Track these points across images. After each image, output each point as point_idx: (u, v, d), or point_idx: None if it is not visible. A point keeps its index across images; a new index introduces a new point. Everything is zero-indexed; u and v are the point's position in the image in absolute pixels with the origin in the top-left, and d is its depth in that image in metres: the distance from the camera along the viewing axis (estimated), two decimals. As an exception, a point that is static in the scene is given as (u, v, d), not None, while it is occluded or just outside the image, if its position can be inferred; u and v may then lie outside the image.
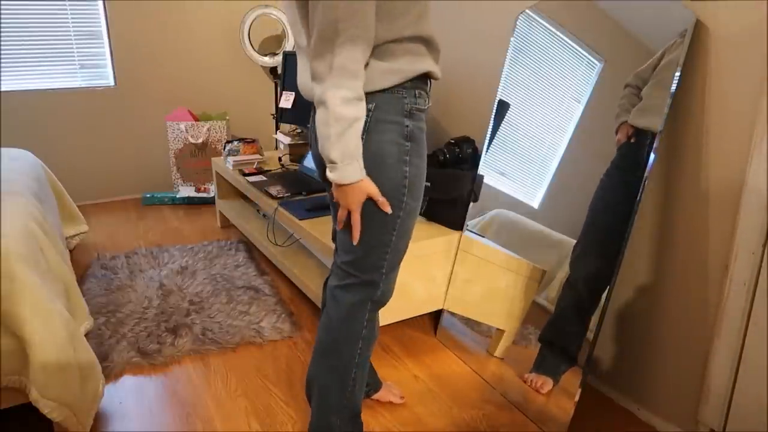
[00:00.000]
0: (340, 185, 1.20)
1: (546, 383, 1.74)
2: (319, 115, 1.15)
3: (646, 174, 1.53)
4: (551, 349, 1.74)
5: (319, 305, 2.21)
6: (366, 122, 1.22)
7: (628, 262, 1.76)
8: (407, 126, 1.26)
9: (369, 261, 1.34)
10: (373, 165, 1.23)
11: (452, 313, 2.14)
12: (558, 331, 1.72)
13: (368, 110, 1.22)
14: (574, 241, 1.72)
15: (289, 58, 3.12)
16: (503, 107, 2.02)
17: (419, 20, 1.21)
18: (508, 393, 1.86)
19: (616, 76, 1.67)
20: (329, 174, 1.20)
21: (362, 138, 1.22)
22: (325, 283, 1.56)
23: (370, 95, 1.23)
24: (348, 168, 1.17)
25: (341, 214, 1.26)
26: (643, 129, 1.56)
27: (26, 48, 3.35)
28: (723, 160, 1.48)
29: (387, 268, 1.36)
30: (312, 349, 2.00)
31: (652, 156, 1.52)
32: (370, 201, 1.25)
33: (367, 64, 1.20)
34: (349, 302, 1.38)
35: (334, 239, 1.56)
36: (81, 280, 2.55)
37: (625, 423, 1.76)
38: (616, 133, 1.63)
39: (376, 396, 1.79)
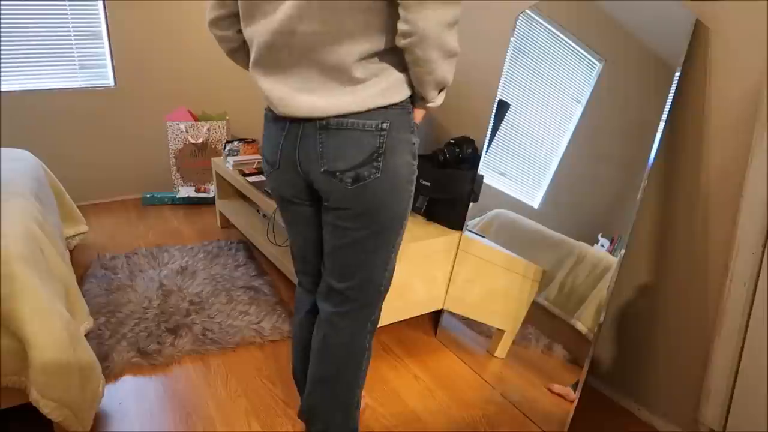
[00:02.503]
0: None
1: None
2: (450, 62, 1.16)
3: (645, 174, 1.53)
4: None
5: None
6: (381, 143, 1.17)
7: (628, 262, 1.76)
8: (414, 143, 1.24)
9: (372, 283, 1.33)
10: (390, 189, 1.21)
11: (452, 313, 2.14)
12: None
13: (383, 130, 1.17)
14: (574, 241, 1.72)
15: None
16: (503, 107, 2.02)
17: None
18: (508, 393, 1.86)
19: (616, 76, 1.67)
20: (437, 101, 1.24)
21: (379, 161, 1.18)
22: (298, 297, 1.54)
23: (383, 111, 1.17)
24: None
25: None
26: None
27: (26, 48, 3.35)
28: (723, 160, 1.48)
29: (384, 287, 1.37)
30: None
31: (652, 156, 1.52)
32: (386, 222, 1.24)
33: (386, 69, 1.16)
34: (350, 329, 1.36)
35: (298, 260, 1.48)
36: (81, 280, 2.55)
37: (625, 423, 1.76)
38: None
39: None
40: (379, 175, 1.19)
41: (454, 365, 2.03)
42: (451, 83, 1.24)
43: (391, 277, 1.38)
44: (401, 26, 1.08)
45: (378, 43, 1.12)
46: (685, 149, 1.57)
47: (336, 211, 1.25)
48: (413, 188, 1.27)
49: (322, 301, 1.40)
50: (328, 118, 1.17)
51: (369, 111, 1.16)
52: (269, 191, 1.42)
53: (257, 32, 1.18)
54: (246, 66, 1.38)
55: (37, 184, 2.23)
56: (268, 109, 1.30)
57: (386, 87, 1.17)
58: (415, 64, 1.14)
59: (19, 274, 1.47)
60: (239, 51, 1.36)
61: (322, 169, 1.20)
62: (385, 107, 1.17)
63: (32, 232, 1.70)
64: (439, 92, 1.24)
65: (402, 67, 1.18)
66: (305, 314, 1.51)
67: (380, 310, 1.41)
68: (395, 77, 1.17)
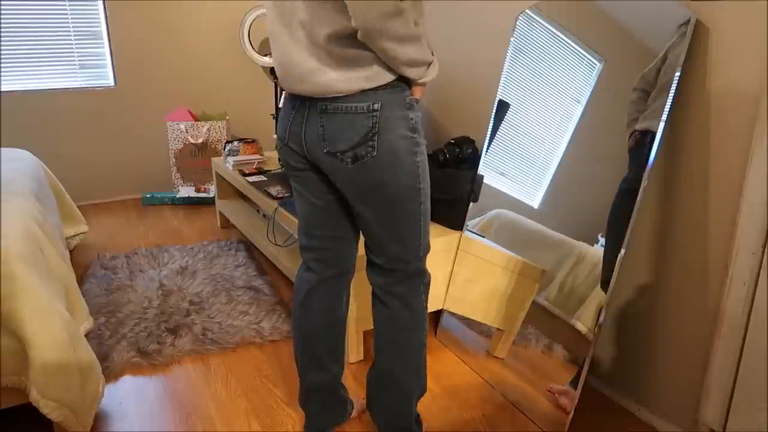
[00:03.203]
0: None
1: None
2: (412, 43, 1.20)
3: (645, 174, 1.52)
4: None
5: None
6: (374, 124, 1.24)
7: (628, 262, 1.76)
8: (412, 119, 1.29)
9: (410, 252, 1.40)
10: (389, 163, 1.27)
11: (452, 313, 2.14)
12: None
13: (374, 111, 1.23)
14: (574, 241, 1.72)
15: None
16: (503, 107, 2.02)
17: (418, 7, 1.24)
18: (508, 393, 1.86)
19: (616, 76, 1.67)
20: (426, 77, 1.27)
21: (374, 140, 1.24)
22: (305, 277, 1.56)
23: (373, 92, 1.23)
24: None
25: None
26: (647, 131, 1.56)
27: (26, 48, 3.35)
28: (723, 160, 1.48)
29: (423, 252, 1.43)
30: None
31: (651, 156, 1.52)
32: (395, 196, 1.30)
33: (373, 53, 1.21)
34: (406, 295, 1.44)
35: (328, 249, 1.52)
36: (81, 280, 2.55)
37: (625, 423, 1.76)
38: (629, 140, 1.61)
39: (352, 416, 1.74)
40: (375, 153, 1.25)
41: (454, 365, 2.03)
42: (428, 59, 1.27)
43: (428, 242, 1.44)
44: (352, 23, 1.15)
45: (344, 27, 1.17)
46: (685, 149, 1.57)
47: (346, 190, 1.33)
48: (419, 158, 1.31)
49: (373, 275, 1.47)
50: (326, 101, 1.24)
51: (359, 93, 1.23)
52: (281, 161, 1.47)
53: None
54: None
55: (37, 184, 2.23)
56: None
57: (371, 74, 1.22)
58: (377, 53, 1.20)
59: (19, 274, 1.47)
60: None
61: (325, 150, 1.29)
62: (374, 89, 1.23)
63: (32, 232, 1.70)
64: (424, 68, 1.27)
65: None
66: (306, 295, 1.53)
67: (428, 273, 1.47)
68: (378, 63, 1.22)
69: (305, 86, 1.26)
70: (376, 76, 1.23)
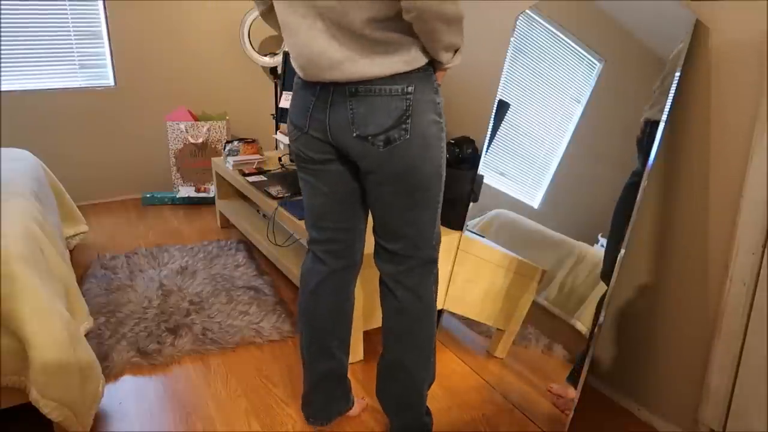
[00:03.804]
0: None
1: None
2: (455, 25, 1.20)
3: (645, 173, 1.53)
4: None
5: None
6: (408, 106, 1.24)
7: (628, 262, 1.76)
8: (438, 103, 1.31)
9: (424, 240, 1.41)
10: (420, 147, 1.27)
11: (452, 313, 2.14)
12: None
13: (408, 94, 1.24)
14: (574, 241, 1.72)
15: (290, 58, 3.12)
16: (503, 107, 2.02)
17: None
18: (508, 393, 1.86)
19: (616, 76, 1.67)
20: (453, 63, 1.30)
21: (407, 123, 1.25)
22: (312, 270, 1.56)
23: (407, 76, 1.23)
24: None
25: None
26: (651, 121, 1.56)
27: (26, 48, 3.35)
28: (723, 160, 1.48)
29: (436, 241, 1.45)
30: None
31: (651, 155, 1.52)
32: (421, 181, 1.31)
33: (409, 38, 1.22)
34: (417, 284, 1.44)
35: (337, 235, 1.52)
36: (81, 280, 2.55)
37: (625, 423, 1.76)
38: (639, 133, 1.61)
39: (350, 413, 1.73)
40: (408, 136, 1.25)
41: (454, 365, 2.03)
42: (461, 44, 1.29)
43: (440, 230, 1.46)
44: (402, 3, 1.13)
45: (385, 11, 1.16)
46: (685, 149, 1.57)
47: (372, 174, 1.32)
48: (444, 145, 1.34)
49: (382, 264, 1.47)
50: (356, 83, 1.23)
51: (393, 76, 1.22)
52: (293, 155, 1.45)
53: None
54: (276, 27, 1.45)
55: (37, 184, 2.23)
56: (297, 75, 1.36)
57: (408, 58, 1.23)
58: (422, 35, 1.20)
59: (19, 274, 1.47)
60: (270, 13, 1.42)
61: (354, 134, 1.27)
62: (408, 72, 1.24)
63: (32, 232, 1.70)
64: (454, 54, 1.30)
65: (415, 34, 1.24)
66: (316, 286, 1.53)
67: (438, 260, 1.48)
68: (415, 47, 1.23)
69: (335, 73, 1.23)
70: (414, 59, 1.23)
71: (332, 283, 1.53)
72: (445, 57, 1.27)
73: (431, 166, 1.31)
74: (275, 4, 1.30)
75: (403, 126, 1.25)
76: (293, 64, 1.34)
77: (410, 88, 1.24)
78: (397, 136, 1.25)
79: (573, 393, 1.66)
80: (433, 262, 1.45)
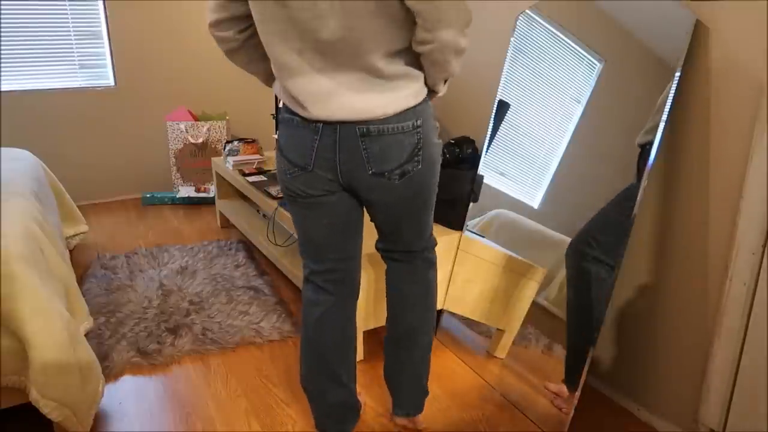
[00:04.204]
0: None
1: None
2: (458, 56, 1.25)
3: (645, 173, 1.53)
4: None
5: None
6: (419, 140, 1.29)
7: (628, 262, 1.76)
8: (437, 126, 1.37)
9: (425, 235, 1.52)
10: (430, 171, 1.36)
11: (452, 313, 2.14)
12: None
13: (419, 127, 1.28)
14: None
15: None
16: (503, 107, 2.02)
17: None
18: (508, 393, 1.86)
19: (616, 76, 1.67)
20: (444, 90, 1.37)
21: (419, 155, 1.30)
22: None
23: (414, 110, 1.27)
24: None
25: None
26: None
27: (26, 48, 3.35)
28: (723, 160, 1.48)
29: (430, 231, 1.56)
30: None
31: (652, 156, 1.52)
32: (426, 196, 1.41)
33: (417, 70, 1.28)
34: (423, 274, 1.57)
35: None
36: (81, 280, 2.55)
37: (625, 423, 1.76)
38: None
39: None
40: (420, 166, 1.32)
41: (454, 365, 2.03)
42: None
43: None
44: (421, 35, 1.15)
45: (398, 43, 1.20)
46: (685, 149, 1.57)
47: (382, 201, 1.38)
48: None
49: (392, 261, 1.56)
50: (366, 123, 1.24)
51: (404, 112, 1.25)
52: (286, 191, 1.41)
53: None
54: (245, 66, 1.42)
55: (37, 184, 2.23)
56: (291, 113, 1.31)
57: (417, 90, 1.27)
58: (432, 65, 1.25)
59: (19, 274, 1.47)
60: (239, 51, 1.37)
61: (370, 172, 1.30)
62: (414, 106, 1.27)
63: (32, 232, 1.70)
64: (445, 83, 1.37)
65: (420, 65, 1.28)
66: (321, 315, 1.50)
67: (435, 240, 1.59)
68: (421, 79, 1.28)
69: (343, 113, 1.23)
70: (419, 91, 1.28)
71: (337, 311, 1.52)
72: (442, 88, 1.35)
73: (435, 180, 1.41)
74: (266, 43, 1.25)
75: (416, 158, 1.30)
76: (288, 102, 1.29)
77: (419, 122, 1.27)
78: (411, 168, 1.31)
79: (566, 392, 1.66)
80: (431, 250, 1.58)
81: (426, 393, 1.67)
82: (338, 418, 1.59)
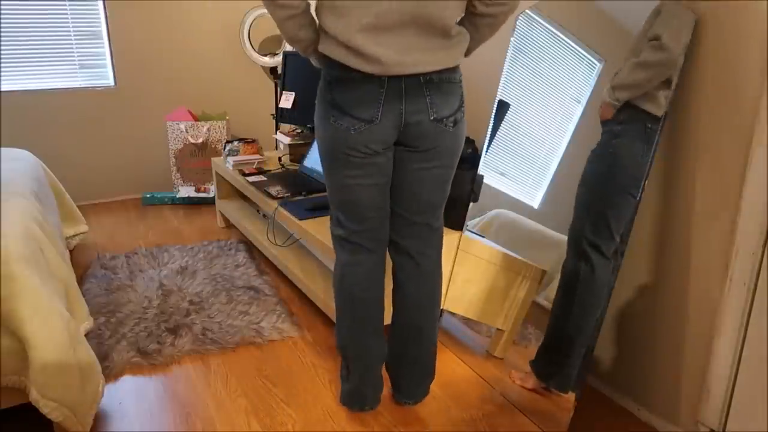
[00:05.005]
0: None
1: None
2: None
3: (646, 173, 1.53)
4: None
5: (319, 305, 2.21)
6: (462, 92, 1.48)
7: (628, 262, 1.76)
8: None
9: (441, 208, 1.62)
10: (464, 126, 1.52)
11: (452, 313, 2.14)
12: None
13: (461, 82, 1.47)
14: (574, 241, 1.72)
15: (289, 58, 3.12)
16: (503, 107, 2.02)
17: None
18: (508, 393, 1.86)
19: (616, 76, 1.67)
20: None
21: (463, 107, 1.49)
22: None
23: (458, 66, 1.46)
24: None
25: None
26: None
27: (26, 48, 3.35)
28: (723, 160, 1.48)
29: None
30: (313, 344, 2.01)
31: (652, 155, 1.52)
32: (457, 157, 1.53)
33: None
34: (436, 251, 1.65)
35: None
36: (81, 280, 2.55)
37: (625, 423, 1.76)
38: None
39: None
40: (463, 117, 1.50)
41: (454, 365, 2.03)
42: None
43: None
44: (496, 7, 1.39)
45: (462, 9, 1.41)
46: (685, 148, 1.57)
47: (425, 153, 1.49)
48: None
49: (406, 240, 1.62)
50: (431, 73, 1.39)
51: (456, 66, 1.44)
52: (343, 151, 1.48)
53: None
54: (295, 32, 1.43)
55: (37, 184, 2.23)
56: (348, 70, 1.39)
57: (462, 50, 1.44)
58: (489, 27, 1.45)
59: (19, 274, 1.47)
60: (298, 17, 1.40)
61: (432, 117, 1.43)
62: (459, 63, 1.44)
63: (32, 232, 1.70)
64: None
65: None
66: (368, 273, 1.62)
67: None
68: (466, 41, 1.45)
69: (418, 68, 1.38)
70: (463, 51, 1.45)
71: (378, 267, 1.63)
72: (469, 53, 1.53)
73: (463, 141, 1.55)
74: (340, 5, 1.33)
75: (462, 108, 1.48)
76: (348, 59, 1.37)
77: (461, 77, 1.47)
78: (459, 117, 1.48)
79: (534, 383, 1.69)
80: (442, 226, 1.66)
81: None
82: (376, 376, 1.71)
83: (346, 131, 1.43)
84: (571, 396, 1.66)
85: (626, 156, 1.58)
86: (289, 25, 1.42)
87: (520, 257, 1.89)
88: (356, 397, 1.72)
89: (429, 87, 1.40)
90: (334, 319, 2.07)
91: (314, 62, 1.53)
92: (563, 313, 1.69)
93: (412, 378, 1.73)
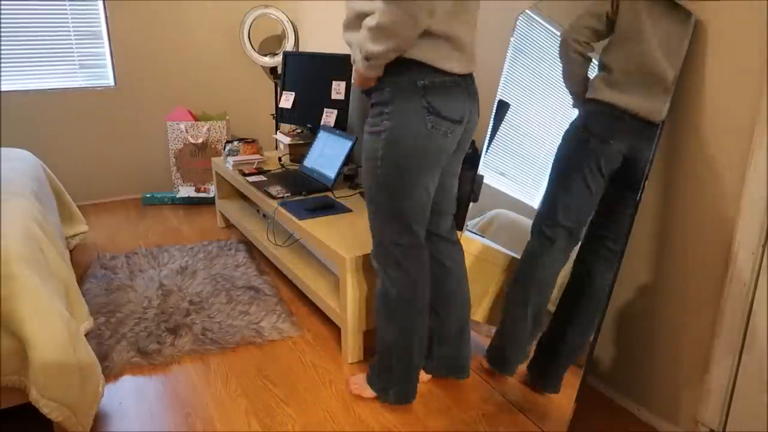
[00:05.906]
0: None
1: None
2: None
3: (646, 173, 1.53)
4: (551, 349, 1.73)
5: (318, 305, 2.21)
6: None
7: (628, 262, 1.76)
8: None
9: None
10: None
11: (452, 313, 2.14)
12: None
13: None
14: (574, 241, 1.72)
15: (289, 58, 3.12)
16: (503, 107, 2.02)
17: None
18: (507, 393, 1.86)
19: (616, 76, 1.67)
20: None
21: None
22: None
23: None
24: None
25: None
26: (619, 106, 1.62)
27: (26, 48, 3.35)
28: (723, 160, 1.48)
29: None
30: (313, 344, 2.03)
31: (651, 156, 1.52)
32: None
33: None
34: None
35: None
36: (81, 280, 2.55)
37: (625, 423, 1.76)
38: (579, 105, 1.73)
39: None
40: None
41: (454, 365, 2.03)
42: None
43: None
44: None
45: None
46: (685, 149, 1.57)
47: (462, 143, 1.60)
48: None
49: (446, 232, 1.75)
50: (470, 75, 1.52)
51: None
52: (435, 154, 1.51)
53: None
54: (412, 39, 1.38)
55: (37, 184, 2.24)
56: (443, 74, 1.44)
57: None
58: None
59: (19, 274, 1.47)
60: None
61: (477, 117, 1.57)
62: None
63: (32, 232, 1.70)
64: None
65: None
66: (443, 259, 1.76)
67: None
68: None
69: (476, 64, 1.52)
70: None
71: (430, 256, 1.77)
72: None
73: None
74: (445, 17, 1.39)
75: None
76: (445, 63, 1.42)
77: None
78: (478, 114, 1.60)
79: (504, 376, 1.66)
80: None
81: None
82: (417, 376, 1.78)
83: (443, 136, 1.47)
84: (571, 396, 1.66)
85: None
86: (415, 33, 1.39)
87: (519, 257, 1.89)
88: (412, 393, 1.77)
89: (473, 84, 1.52)
90: (334, 319, 2.07)
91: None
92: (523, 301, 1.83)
93: (467, 350, 1.85)
